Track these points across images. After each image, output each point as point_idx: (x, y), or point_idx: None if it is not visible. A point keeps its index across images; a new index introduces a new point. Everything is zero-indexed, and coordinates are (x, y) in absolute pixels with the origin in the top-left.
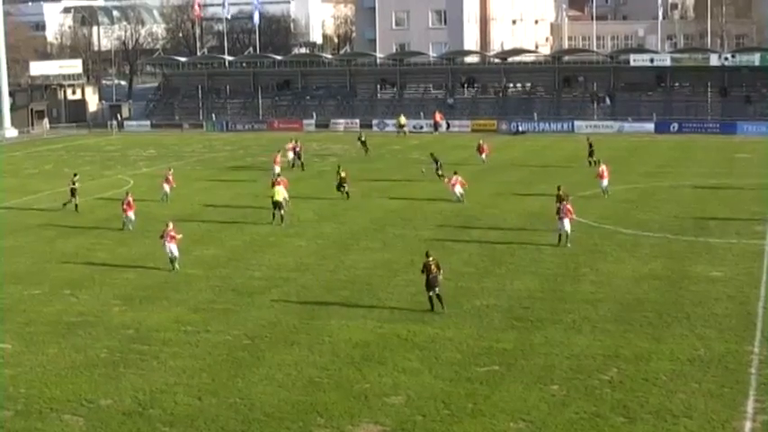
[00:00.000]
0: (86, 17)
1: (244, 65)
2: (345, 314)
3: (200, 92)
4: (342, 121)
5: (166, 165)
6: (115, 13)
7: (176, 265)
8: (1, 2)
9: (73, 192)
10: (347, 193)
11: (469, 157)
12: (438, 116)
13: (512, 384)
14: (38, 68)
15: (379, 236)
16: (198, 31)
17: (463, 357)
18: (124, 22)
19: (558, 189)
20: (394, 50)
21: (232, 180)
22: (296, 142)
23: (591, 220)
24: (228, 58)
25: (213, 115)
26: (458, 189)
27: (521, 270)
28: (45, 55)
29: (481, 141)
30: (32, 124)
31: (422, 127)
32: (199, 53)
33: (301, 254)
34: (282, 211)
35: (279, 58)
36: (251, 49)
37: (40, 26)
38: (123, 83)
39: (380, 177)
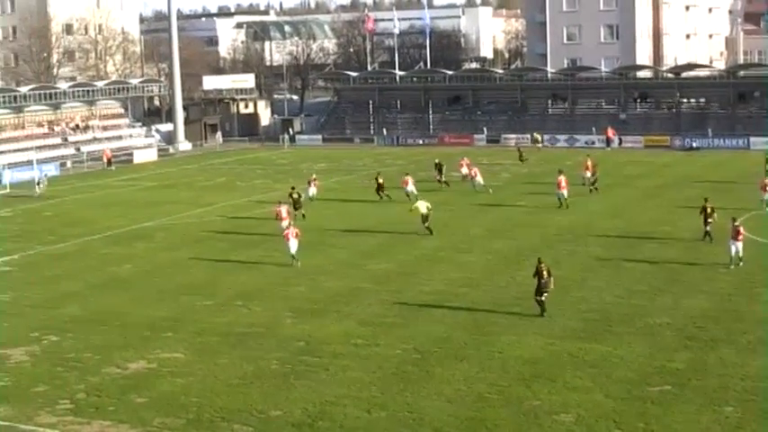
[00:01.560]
0: (258, 32)
1: (414, 80)
2: (516, 330)
3: (370, 106)
4: (513, 136)
5: (336, 179)
6: (287, 28)
7: (297, 262)
8: (175, 18)
9: (297, 202)
10: (388, 195)
11: (643, 173)
12: (610, 132)
13: (684, 405)
14: (211, 83)
15: (549, 252)
16: (369, 46)
17: (635, 376)
18: (296, 38)
19: (705, 201)
20: (565, 65)
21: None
22: (438, 161)
23: None
24: (399, 72)
25: (384, 129)
26: (564, 193)
27: (694, 288)
28: (218, 70)
29: (587, 156)
30: (206, 138)
31: (593, 143)
32: (369, 68)
33: (471, 269)
34: (428, 223)
35: (449, 73)
36: (421, 63)
37: (214, 41)
38: (295, 97)
39: (551, 192)
